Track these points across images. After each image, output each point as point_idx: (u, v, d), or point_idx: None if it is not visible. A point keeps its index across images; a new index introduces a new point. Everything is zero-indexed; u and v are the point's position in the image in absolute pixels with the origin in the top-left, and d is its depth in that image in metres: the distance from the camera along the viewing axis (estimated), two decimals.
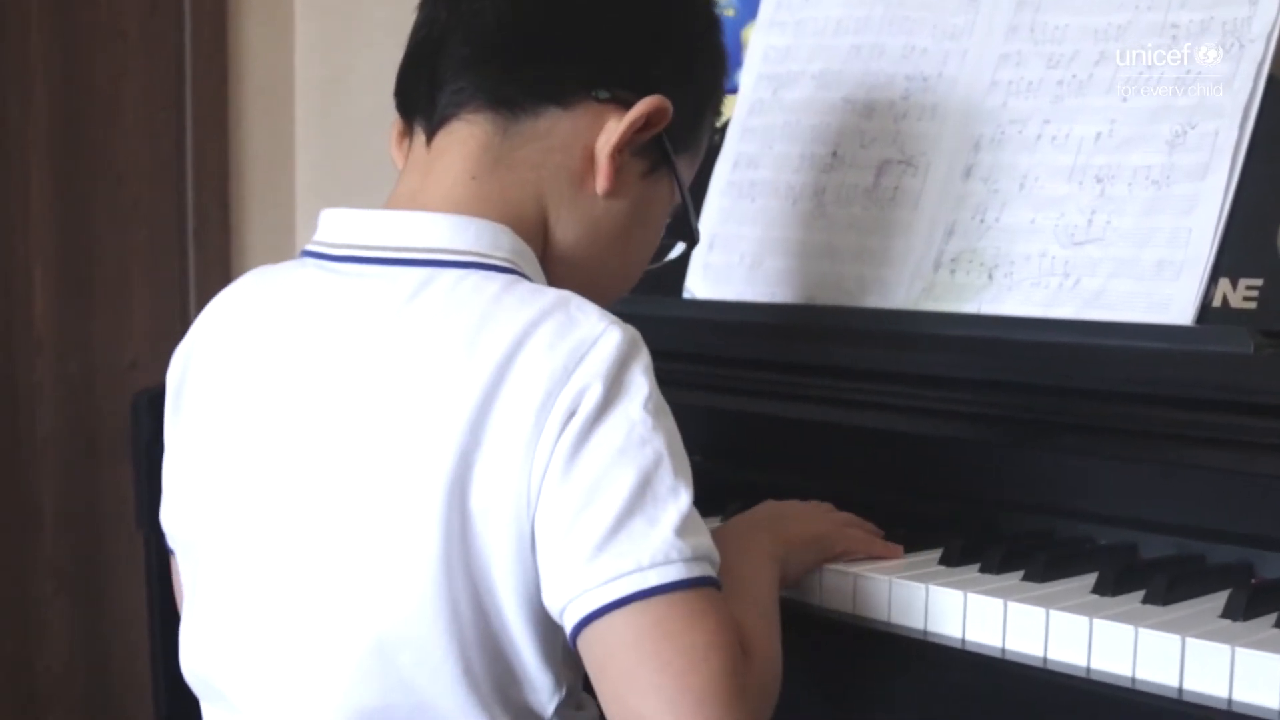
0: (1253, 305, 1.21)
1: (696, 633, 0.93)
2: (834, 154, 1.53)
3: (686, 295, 1.61)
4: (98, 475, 2.51)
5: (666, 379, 1.51)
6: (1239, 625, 1.02)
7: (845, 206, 1.50)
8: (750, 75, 1.64)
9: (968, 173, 1.42)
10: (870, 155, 1.50)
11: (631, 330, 0.99)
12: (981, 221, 1.39)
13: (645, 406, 0.97)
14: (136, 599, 2.35)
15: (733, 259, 1.58)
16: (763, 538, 1.15)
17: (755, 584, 1.07)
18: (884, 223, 1.46)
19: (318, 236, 1.10)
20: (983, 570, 1.15)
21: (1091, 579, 1.11)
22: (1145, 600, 1.07)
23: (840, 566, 1.17)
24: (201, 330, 1.14)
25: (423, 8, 1.15)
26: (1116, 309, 1.27)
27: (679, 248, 1.41)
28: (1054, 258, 1.33)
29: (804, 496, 1.36)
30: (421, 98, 1.11)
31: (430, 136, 1.11)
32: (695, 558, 0.95)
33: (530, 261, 1.07)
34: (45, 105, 2.42)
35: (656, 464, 0.96)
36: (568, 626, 0.96)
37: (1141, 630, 0.99)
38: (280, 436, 1.04)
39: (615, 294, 1.21)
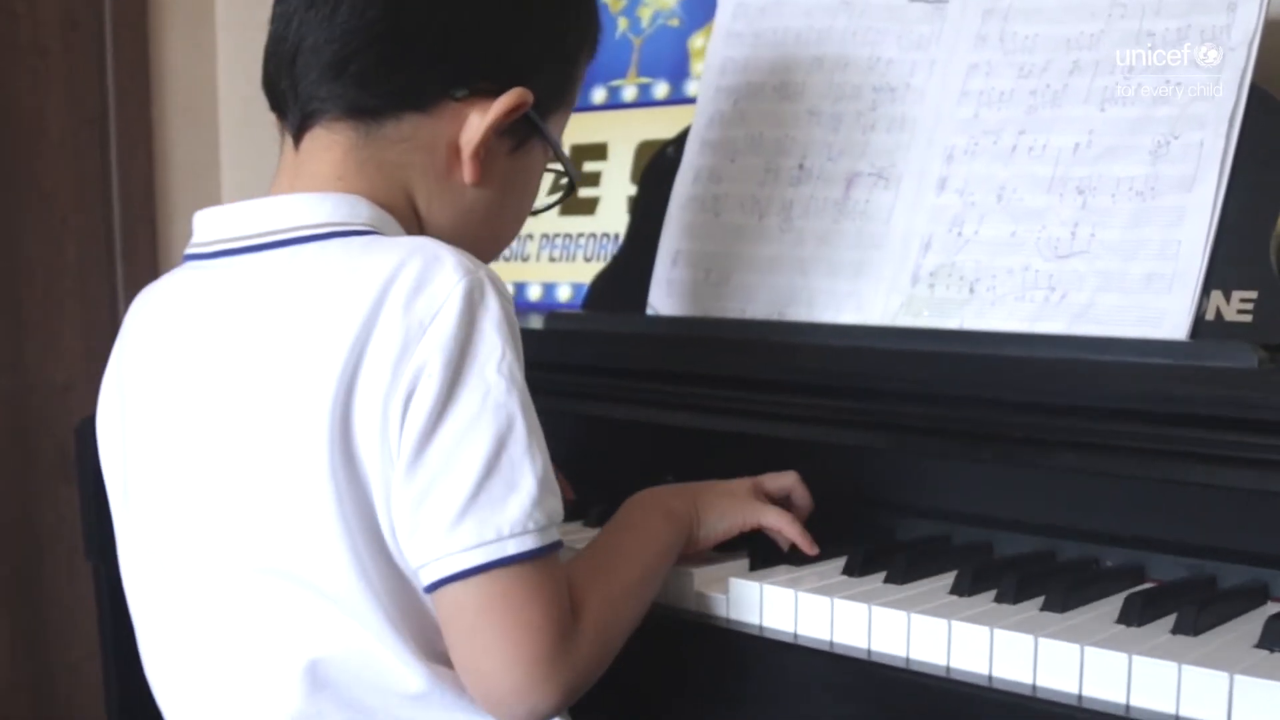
0: (1248, 319, 1.19)
1: (534, 607, 0.99)
2: (800, 166, 1.50)
3: (650, 312, 1.57)
4: (37, 496, 2.45)
5: (633, 398, 1.49)
6: (1135, 631, 1.03)
7: (815, 220, 1.47)
8: (708, 88, 1.60)
9: (941, 185, 1.40)
10: (839, 168, 1.47)
11: (479, 279, 0.99)
12: (959, 235, 1.37)
13: (500, 369, 0.98)
14: (78, 618, 2.27)
15: (698, 275, 1.54)
16: (674, 502, 1.20)
17: (630, 560, 1.12)
18: (856, 236, 1.43)
19: (194, 239, 1.12)
20: (955, 592, 1.13)
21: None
22: (1044, 608, 1.08)
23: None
24: (111, 366, 1.17)
25: None
26: (1106, 323, 1.25)
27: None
28: (1038, 271, 1.31)
29: None
30: (285, 98, 1.11)
31: (296, 140, 1.10)
32: (548, 525, 1.00)
33: (393, 227, 1.08)
34: None
35: (510, 426, 0.98)
36: (422, 582, 1.00)
37: (1041, 640, 1.00)
38: (181, 440, 1.06)
39: (496, 253, 1.23)
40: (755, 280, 1.49)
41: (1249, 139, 1.24)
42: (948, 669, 1.03)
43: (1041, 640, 0.99)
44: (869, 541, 1.29)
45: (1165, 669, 0.94)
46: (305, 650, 1.01)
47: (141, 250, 2.56)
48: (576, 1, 1.18)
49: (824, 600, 1.10)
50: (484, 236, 1.17)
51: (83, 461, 1.82)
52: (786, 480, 1.29)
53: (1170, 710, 0.94)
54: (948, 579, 1.15)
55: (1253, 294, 1.20)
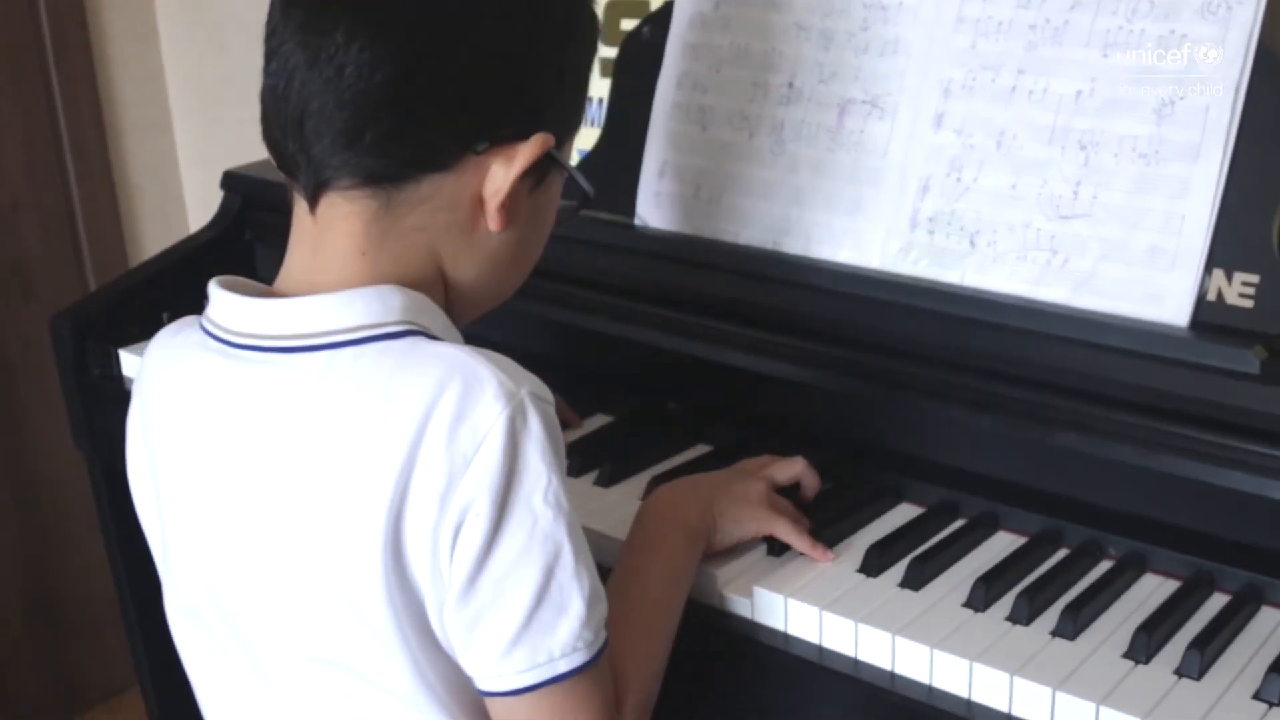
0: (1249, 304, 1.21)
1: (582, 716, 1.04)
2: (790, 85, 1.47)
3: (638, 223, 1.57)
4: None
5: (625, 316, 1.50)
6: (1143, 672, 1.10)
7: (808, 146, 1.46)
8: None
9: (939, 121, 1.38)
10: (831, 91, 1.45)
11: (520, 403, 0.98)
12: (959, 180, 1.36)
13: (546, 499, 0.99)
14: (59, 438, 2.28)
15: (687, 190, 1.53)
16: (693, 515, 1.24)
17: (660, 602, 1.17)
18: (852, 168, 1.42)
19: (213, 315, 1.09)
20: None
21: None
22: (1055, 632, 1.14)
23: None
24: (134, 427, 1.17)
25: (272, 48, 1.05)
26: (1109, 296, 1.27)
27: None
28: (1039, 230, 1.31)
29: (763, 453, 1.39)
30: (294, 162, 1.06)
31: (311, 206, 1.07)
32: (595, 638, 1.03)
33: (428, 311, 1.07)
34: None
35: (558, 555, 1.00)
36: (476, 686, 1.04)
37: (1059, 693, 1.07)
38: (225, 538, 1.08)
39: (520, 284, 1.20)
40: (748, 205, 1.49)
41: (1254, 109, 1.23)
42: (969, 704, 1.11)
43: (1059, 694, 1.06)
44: (875, 504, 1.34)
45: None
46: None
47: (75, 55, 2.49)
48: (577, 16, 1.12)
49: (848, 623, 1.16)
50: (511, 274, 1.16)
51: (62, 356, 1.82)
52: (796, 469, 1.32)
53: None
54: (962, 579, 1.22)
55: (1254, 278, 1.21)
